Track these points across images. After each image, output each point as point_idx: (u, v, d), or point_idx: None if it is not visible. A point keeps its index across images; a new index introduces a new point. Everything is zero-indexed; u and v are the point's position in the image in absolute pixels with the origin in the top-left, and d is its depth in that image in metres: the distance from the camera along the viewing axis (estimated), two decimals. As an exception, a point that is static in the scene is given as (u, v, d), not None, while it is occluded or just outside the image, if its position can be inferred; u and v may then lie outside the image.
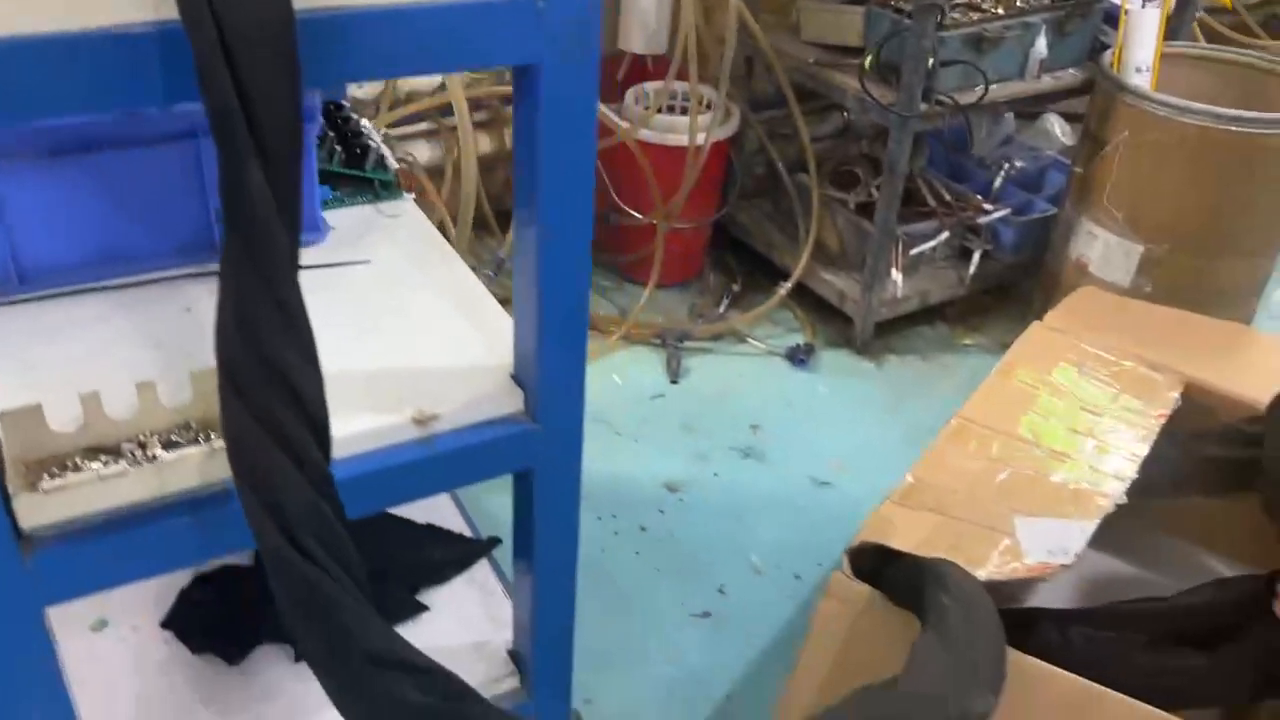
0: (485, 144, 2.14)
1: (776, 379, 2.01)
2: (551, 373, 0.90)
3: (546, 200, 0.80)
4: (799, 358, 2.03)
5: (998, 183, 2.16)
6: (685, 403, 1.94)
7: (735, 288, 2.24)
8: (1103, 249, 1.93)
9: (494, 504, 1.45)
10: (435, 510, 1.32)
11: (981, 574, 1.13)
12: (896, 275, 2.06)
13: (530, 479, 0.96)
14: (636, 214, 2.12)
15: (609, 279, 2.28)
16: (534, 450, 0.93)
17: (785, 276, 2.12)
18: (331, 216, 1.16)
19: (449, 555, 1.23)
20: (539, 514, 0.98)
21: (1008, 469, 1.35)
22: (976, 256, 2.12)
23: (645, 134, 2.03)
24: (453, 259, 1.11)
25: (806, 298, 2.18)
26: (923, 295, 2.10)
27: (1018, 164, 2.27)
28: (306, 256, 1.10)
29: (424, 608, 1.17)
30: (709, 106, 2.08)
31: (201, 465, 0.77)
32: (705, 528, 1.67)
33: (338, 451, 0.83)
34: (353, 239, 1.13)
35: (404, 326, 1.00)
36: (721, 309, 2.17)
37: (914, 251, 2.08)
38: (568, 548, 1.01)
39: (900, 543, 1.19)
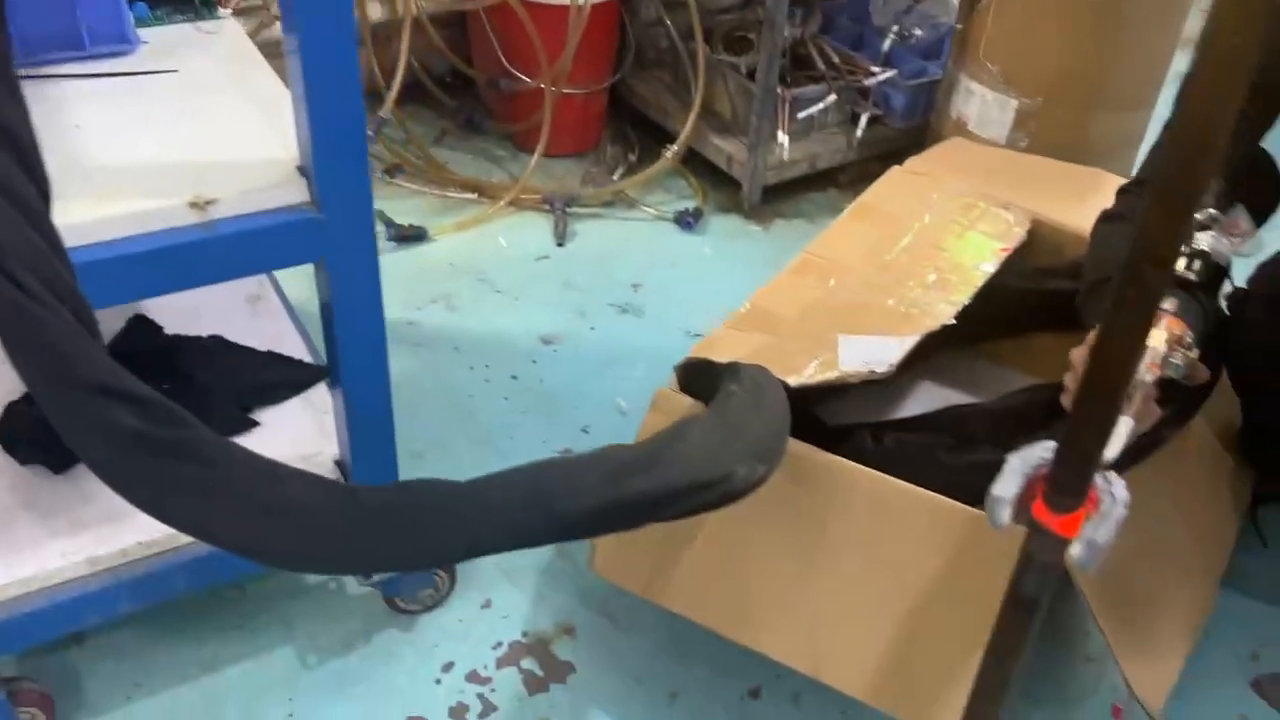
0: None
1: (663, 241, 2.02)
2: (330, 164, 0.92)
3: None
4: (686, 221, 2.05)
5: (886, 46, 2.16)
6: (569, 264, 1.96)
7: (632, 157, 2.24)
8: (980, 105, 1.94)
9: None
10: (281, 341, 1.33)
11: (793, 380, 1.17)
12: (783, 138, 2.07)
13: (324, 271, 0.98)
14: (525, 78, 2.12)
15: (504, 148, 2.28)
16: (321, 239, 0.95)
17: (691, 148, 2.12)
18: (148, 33, 1.16)
19: (285, 378, 1.26)
20: (337, 306, 1.00)
21: (844, 297, 1.38)
22: (864, 120, 2.13)
23: (529, -7, 2.01)
24: (263, 69, 1.12)
25: (701, 165, 2.19)
26: (811, 159, 2.12)
27: (916, 32, 2.27)
28: (113, 66, 1.11)
29: (254, 423, 1.20)
30: (597, -33, 2.07)
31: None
32: (576, 376, 1.70)
33: (114, 231, 0.85)
34: (165, 52, 1.13)
35: (198, 126, 1.01)
36: (616, 177, 2.17)
37: (801, 115, 2.09)
38: (372, 338, 1.04)
39: (724, 358, 1.22)
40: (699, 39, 2.09)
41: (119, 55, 1.11)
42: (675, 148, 2.08)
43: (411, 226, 1.96)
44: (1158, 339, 0.93)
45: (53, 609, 1.03)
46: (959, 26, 1.98)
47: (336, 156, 0.91)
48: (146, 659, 1.23)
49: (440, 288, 1.86)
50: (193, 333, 1.32)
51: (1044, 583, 0.78)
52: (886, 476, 1.11)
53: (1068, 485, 0.72)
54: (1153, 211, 0.57)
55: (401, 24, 1.99)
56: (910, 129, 2.18)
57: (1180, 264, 1.00)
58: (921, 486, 1.10)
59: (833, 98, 2.11)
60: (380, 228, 1.96)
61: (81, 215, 0.85)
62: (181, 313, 1.34)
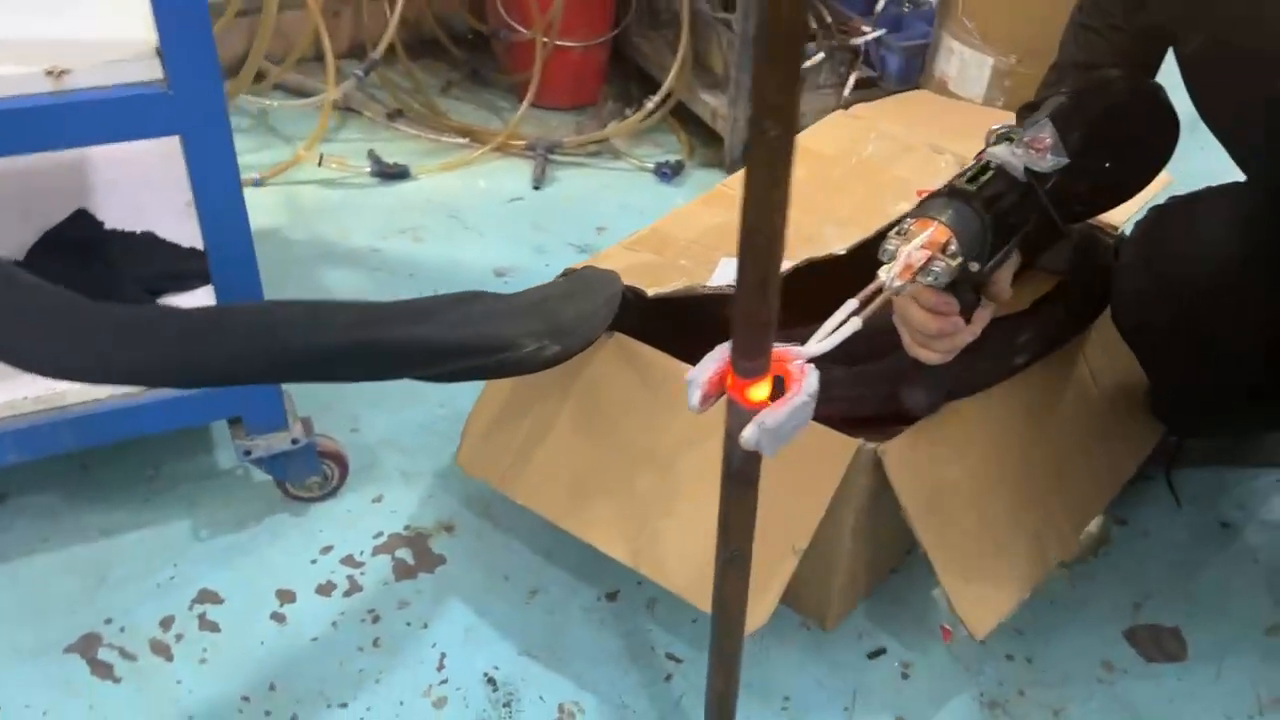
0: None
1: (638, 191, 2.06)
2: (178, 47, 0.99)
3: None
4: (664, 172, 2.08)
5: (880, 6, 2.15)
6: (541, 207, 2.02)
7: (629, 112, 2.29)
8: (959, 64, 1.93)
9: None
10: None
11: (652, 291, 1.20)
12: (765, 93, 2.08)
13: (184, 147, 1.06)
14: (520, 28, 2.18)
15: (507, 100, 2.35)
16: (173, 116, 1.03)
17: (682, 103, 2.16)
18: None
19: (197, 269, 1.34)
20: (195, 184, 1.08)
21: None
22: (852, 79, 2.13)
23: (522, -56, 2.08)
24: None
25: (693, 122, 2.22)
26: (796, 117, 2.12)
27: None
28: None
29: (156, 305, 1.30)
30: (594, -78, 2.12)
31: None
32: (521, 306, 1.75)
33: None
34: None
35: (81, 9, 1.10)
36: (608, 129, 2.22)
37: (788, 72, 2.10)
38: (232, 218, 1.10)
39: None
40: (688, -8, 2.12)
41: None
42: (658, 96, 2.12)
43: (395, 165, 2.05)
44: (909, 245, 0.92)
45: (-58, 450, 1.14)
46: (943, -15, 1.96)
47: (182, 41, 0.99)
48: (58, 519, 1.33)
49: (411, 221, 1.94)
50: (130, 228, 1.43)
51: (749, 456, 0.78)
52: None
53: (745, 348, 0.72)
54: (759, 67, 0.59)
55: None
56: (902, 90, 2.16)
57: (958, 175, 0.99)
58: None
59: (820, 56, 2.11)
60: (366, 164, 2.05)
61: (-55, 76, 0.95)
62: (126, 210, 1.45)
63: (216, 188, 1.09)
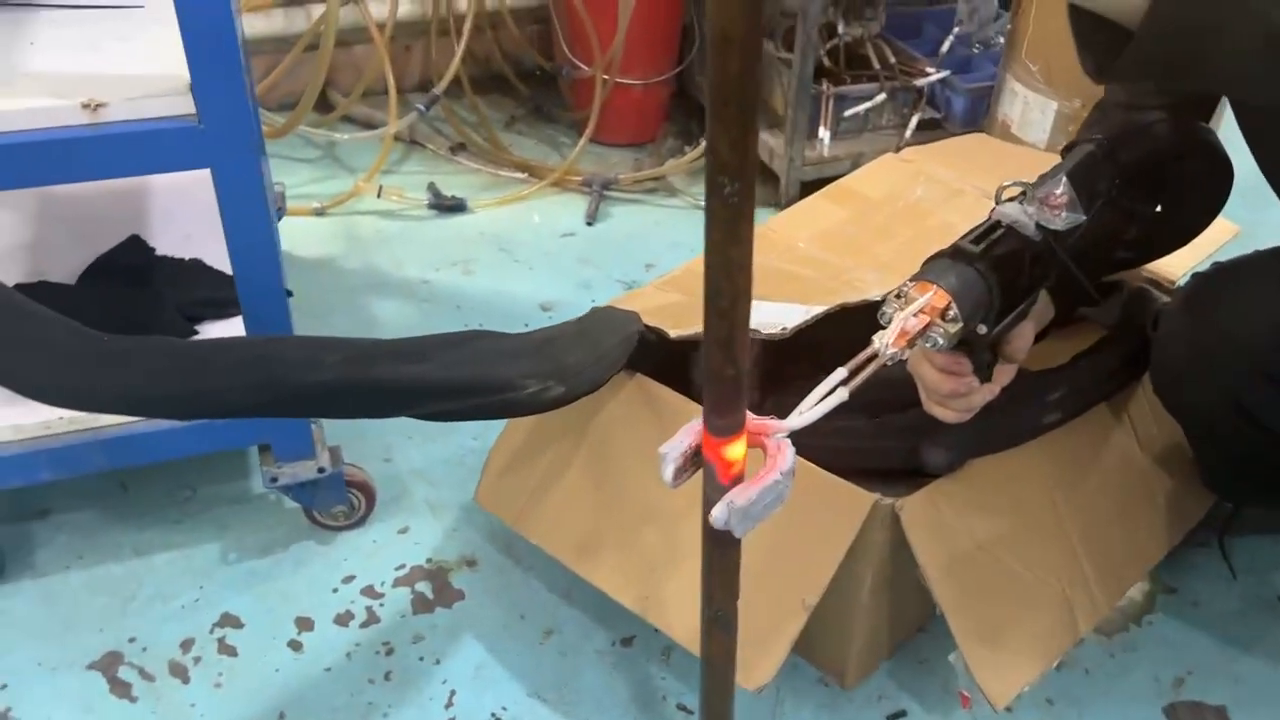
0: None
1: (691, 228, 2.05)
2: (207, 84, 1.02)
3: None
4: (719, 210, 2.06)
5: (945, 48, 2.11)
6: (592, 242, 2.02)
7: (688, 149, 2.28)
8: (1022, 107, 1.88)
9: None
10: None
11: (674, 333, 1.19)
12: (824, 133, 2.06)
13: (215, 183, 1.08)
14: (582, 65, 2.20)
15: (569, 136, 2.36)
16: (204, 149, 1.05)
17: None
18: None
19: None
20: (225, 216, 1.10)
21: (777, 267, 1.38)
22: (914, 121, 2.09)
23: (584, -18, 2.10)
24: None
25: (751, 160, 2.20)
26: (855, 157, 2.09)
27: (1000, 40, 2.21)
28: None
29: (194, 331, 1.32)
30: (657, -39, 2.14)
31: None
32: (564, 342, 1.75)
33: (14, 123, 0.99)
34: (142, -8, 1.28)
35: (127, 48, 1.14)
36: (665, 166, 2.22)
37: (848, 113, 2.08)
38: (261, 250, 1.13)
39: (633, 308, 1.25)
40: (750, 33, 2.11)
41: (101, -8, 1.26)
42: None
43: (453, 198, 2.08)
44: (905, 311, 0.87)
45: (-20, 466, 1.17)
46: (1009, 27, 1.92)
47: (213, 77, 1.01)
48: (94, 537, 1.37)
49: (463, 254, 1.96)
50: (180, 255, 1.47)
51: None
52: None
53: (715, 406, 0.70)
54: (711, 126, 0.57)
55: (463, 19, 2.13)
56: (967, 132, 2.12)
57: (965, 235, 0.95)
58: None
59: (882, 97, 2.08)
60: (425, 196, 2.08)
61: (-10, 109, 1.00)
62: (178, 237, 1.49)
63: (246, 220, 1.11)
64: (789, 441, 0.73)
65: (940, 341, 0.88)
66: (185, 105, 1.04)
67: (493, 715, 1.17)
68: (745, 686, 1.02)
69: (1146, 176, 1.11)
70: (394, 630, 1.27)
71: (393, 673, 1.22)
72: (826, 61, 2.10)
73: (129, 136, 1.03)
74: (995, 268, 0.91)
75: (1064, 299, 1.10)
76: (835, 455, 1.11)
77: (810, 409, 0.76)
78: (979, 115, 2.12)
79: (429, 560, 1.36)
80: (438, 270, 1.92)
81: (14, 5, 1.20)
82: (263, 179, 1.10)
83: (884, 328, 0.87)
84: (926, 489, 1.07)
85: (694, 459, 0.73)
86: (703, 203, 0.61)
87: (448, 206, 2.07)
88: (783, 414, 1.21)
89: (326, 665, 1.22)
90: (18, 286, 1.36)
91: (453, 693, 1.20)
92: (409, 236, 2.01)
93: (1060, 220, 0.94)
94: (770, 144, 2.12)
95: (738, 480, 0.72)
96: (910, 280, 0.91)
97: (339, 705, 1.18)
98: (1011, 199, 0.98)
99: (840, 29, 2.10)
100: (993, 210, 0.98)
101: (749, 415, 0.72)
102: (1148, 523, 1.23)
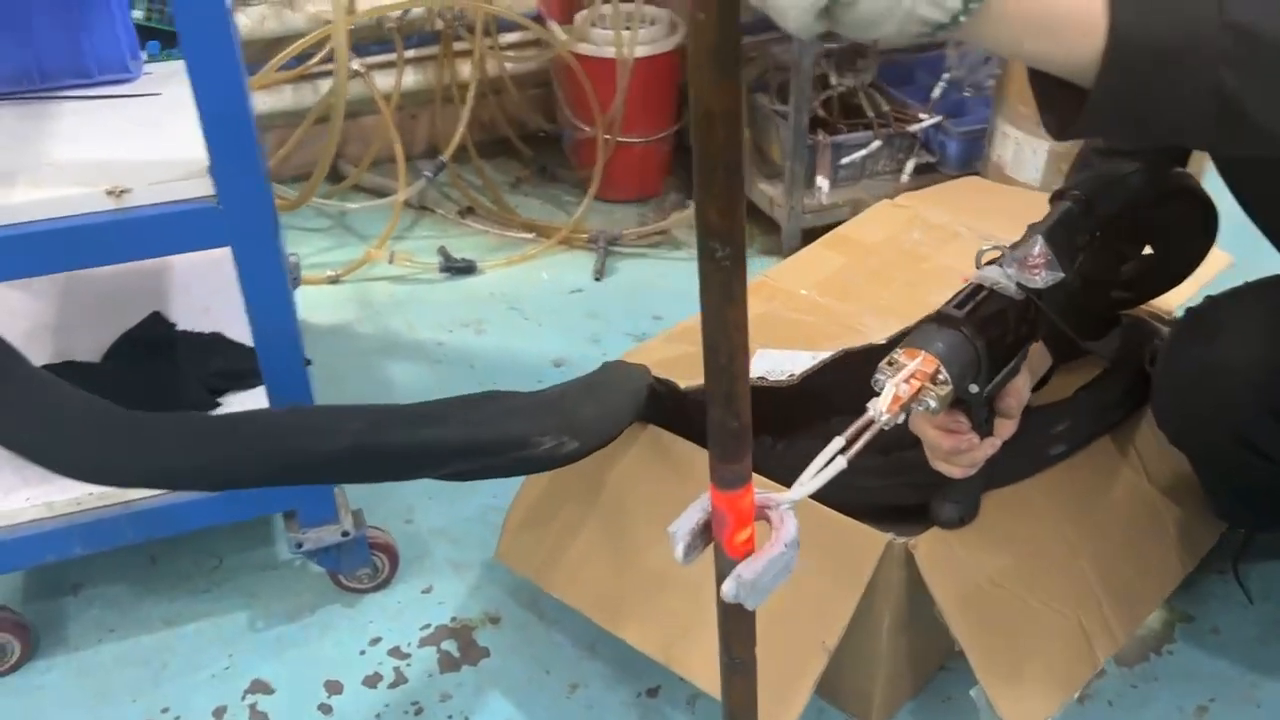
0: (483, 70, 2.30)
1: (696, 279, 2.08)
2: (225, 167, 1.07)
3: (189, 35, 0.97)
4: (723, 261, 2.10)
5: (937, 93, 2.16)
6: (600, 296, 2.06)
7: (689, 202, 2.33)
8: (1014, 149, 1.92)
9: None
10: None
11: (684, 384, 1.22)
12: (822, 181, 2.10)
13: (235, 261, 1.12)
14: (584, 126, 2.25)
15: (573, 195, 2.41)
16: (223, 229, 1.10)
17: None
18: (156, 67, 1.37)
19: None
20: (245, 292, 1.14)
21: (780, 315, 1.41)
22: (910, 166, 2.14)
23: (583, 47, 2.16)
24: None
25: (751, 210, 2.25)
26: (855, 204, 2.13)
27: (990, 83, 2.26)
28: (111, 90, 1.32)
29: (216, 403, 1.36)
30: (653, 23, 2.19)
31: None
32: (577, 397, 1.78)
33: (42, 211, 1.04)
34: (159, 81, 1.33)
35: (146, 135, 1.19)
36: (668, 220, 2.27)
37: (845, 161, 2.12)
38: (280, 324, 1.16)
39: (640, 362, 1.28)
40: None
41: (122, 82, 1.32)
42: (716, 191, 2.15)
43: (463, 260, 2.12)
44: (896, 378, 0.89)
45: (14, 543, 1.20)
46: (998, 71, 1.97)
47: (231, 160, 1.06)
48: (125, 610, 1.39)
49: (475, 314, 2.00)
50: (201, 329, 1.51)
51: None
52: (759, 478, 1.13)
53: (722, 456, 0.72)
54: (699, 194, 0.61)
55: (467, 87, 2.19)
56: (961, 176, 2.16)
57: (949, 300, 0.98)
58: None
59: (877, 144, 2.13)
60: (435, 260, 2.13)
61: (20, 198, 1.04)
62: (197, 312, 1.53)
63: (265, 294, 1.15)
64: (792, 513, 0.75)
65: (933, 404, 0.90)
66: (205, 187, 1.09)
67: (522, 770, 1.19)
68: (770, 731, 1.03)
69: (1128, 225, 1.14)
70: (422, 690, 1.28)
71: (422, 732, 1.23)
72: (821, 112, 2.15)
73: (152, 220, 1.07)
74: (981, 329, 0.94)
75: (1059, 346, 1.13)
76: (847, 493, 1.13)
77: (810, 479, 0.78)
78: (973, 158, 2.16)
79: (453, 619, 1.38)
80: (450, 331, 1.96)
81: (37, 97, 1.26)
82: (280, 253, 1.15)
83: (878, 394, 0.89)
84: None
85: (703, 534, 0.76)
86: (710, 256, 0.64)
87: (458, 269, 2.12)
88: (794, 458, 1.24)
89: (356, 727, 1.24)
90: (45, 367, 1.40)
91: (482, 750, 1.21)
92: (421, 299, 2.06)
93: (1040, 279, 0.98)
94: (770, 193, 2.16)
95: (747, 553, 0.74)
96: (900, 348, 0.94)
97: (370, 767, 1.20)
98: (991, 262, 1.01)
99: (833, 80, 2.15)
100: (974, 274, 1.01)
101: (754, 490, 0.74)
102: (1160, 552, 1.24)
